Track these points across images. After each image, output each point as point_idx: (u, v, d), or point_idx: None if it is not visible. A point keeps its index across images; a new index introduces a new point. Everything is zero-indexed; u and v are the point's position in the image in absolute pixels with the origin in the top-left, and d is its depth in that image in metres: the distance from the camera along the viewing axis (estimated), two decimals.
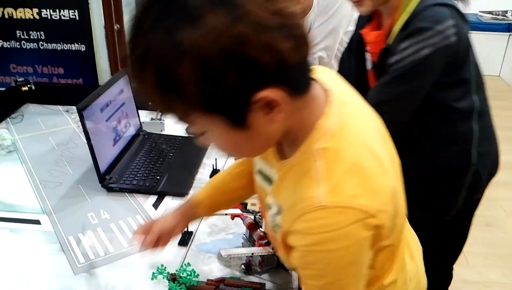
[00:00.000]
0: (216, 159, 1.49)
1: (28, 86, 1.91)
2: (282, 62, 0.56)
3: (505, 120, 4.14)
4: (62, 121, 1.81)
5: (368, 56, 1.33)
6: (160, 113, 1.83)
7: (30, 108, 1.92)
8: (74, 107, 1.29)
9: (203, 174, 1.45)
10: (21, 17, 1.96)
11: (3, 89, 1.95)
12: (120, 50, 1.96)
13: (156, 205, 1.30)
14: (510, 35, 5.07)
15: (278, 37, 0.55)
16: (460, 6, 1.20)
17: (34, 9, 1.94)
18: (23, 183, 1.40)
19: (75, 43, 1.96)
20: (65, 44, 1.98)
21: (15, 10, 1.95)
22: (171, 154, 1.53)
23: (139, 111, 1.68)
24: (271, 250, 0.99)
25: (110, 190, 1.35)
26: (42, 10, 1.94)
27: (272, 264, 1.02)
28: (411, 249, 0.88)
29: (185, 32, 0.53)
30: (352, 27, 1.56)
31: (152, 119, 1.77)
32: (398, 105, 1.17)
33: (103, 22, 1.91)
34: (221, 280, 0.98)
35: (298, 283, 1.00)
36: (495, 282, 2.26)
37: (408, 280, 0.85)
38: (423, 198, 1.29)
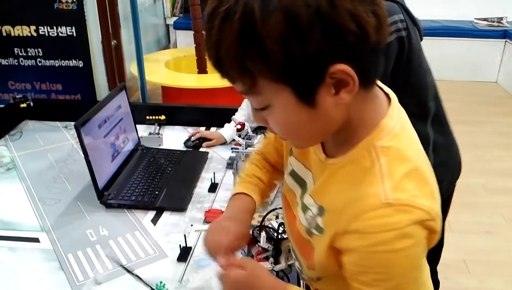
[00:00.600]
0: (214, 173, 1.50)
1: (27, 102, 1.92)
2: (364, 37, 0.55)
3: (502, 127, 4.16)
4: (60, 137, 1.82)
5: None
6: (158, 128, 1.84)
7: (29, 125, 1.93)
8: (73, 123, 1.29)
9: (201, 188, 1.45)
10: (18, 34, 1.98)
11: (1, 106, 1.96)
12: (118, 65, 1.98)
13: (154, 220, 1.30)
14: (506, 41, 5.10)
15: (365, 10, 0.55)
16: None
17: (31, 27, 1.96)
18: (22, 200, 1.40)
19: (73, 60, 1.98)
20: (63, 61, 1.99)
21: (13, 28, 1.97)
22: (170, 169, 1.54)
23: (137, 126, 1.68)
24: (270, 266, 0.99)
25: (108, 206, 1.35)
26: (40, 27, 1.96)
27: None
28: None
29: None
30: None
31: (150, 133, 1.78)
32: None
33: (100, 38, 1.92)
34: None
35: None
36: None
37: None
38: None
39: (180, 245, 1.16)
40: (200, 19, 3.17)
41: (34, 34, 1.97)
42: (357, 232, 0.63)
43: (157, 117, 1.88)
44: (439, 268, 1.59)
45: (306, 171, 0.80)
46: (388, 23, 1.00)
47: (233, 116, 1.69)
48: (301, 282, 0.99)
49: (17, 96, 1.95)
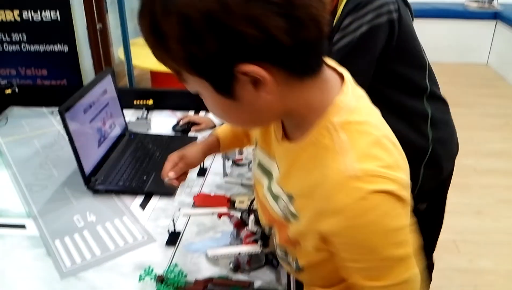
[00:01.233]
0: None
1: (12, 88, 1.89)
2: (272, 39, 0.55)
3: (493, 108, 4.18)
4: (46, 123, 1.79)
5: None
6: (146, 113, 1.82)
7: (14, 111, 1.89)
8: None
9: (190, 173, 1.43)
10: (2, 19, 1.93)
11: None
12: (104, 49, 1.94)
13: (143, 205, 1.29)
14: (496, 23, 5.09)
15: (269, 14, 0.54)
16: None
17: (15, 11, 1.92)
18: (7, 187, 1.38)
19: (58, 44, 1.94)
20: (47, 45, 1.96)
21: None
22: (158, 154, 1.52)
23: (125, 110, 1.66)
24: (259, 248, 0.98)
25: (96, 192, 1.33)
26: (23, 11, 1.91)
27: (260, 262, 1.02)
28: None
29: None
30: None
31: (137, 118, 1.76)
32: None
33: (85, 22, 1.89)
34: (209, 280, 0.97)
35: (287, 280, 0.99)
36: (487, 269, 2.28)
37: None
38: None
39: (168, 230, 1.15)
40: None
41: (18, 18, 1.93)
42: (334, 212, 0.62)
43: (144, 102, 1.86)
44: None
45: (270, 161, 0.80)
46: (378, 5, 1.00)
47: None
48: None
49: (2, 82, 1.91)
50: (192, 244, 1.13)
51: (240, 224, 1.05)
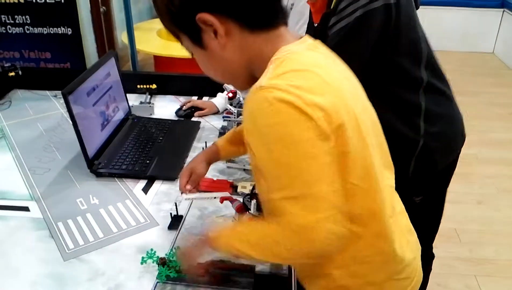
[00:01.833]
0: (206, 142, 1.48)
1: (15, 71, 1.89)
2: None
3: (498, 97, 4.16)
4: (50, 106, 1.79)
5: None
6: (149, 97, 1.82)
7: (18, 94, 1.90)
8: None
9: (193, 157, 1.44)
10: (5, 1, 1.92)
11: None
12: (107, 32, 1.93)
13: (145, 189, 1.29)
14: (504, 11, 5.05)
15: None
16: None
17: None
18: (11, 169, 1.39)
19: (62, 27, 1.93)
20: (51, 28, 1.95)
21: None
22: (161, 138, 1.52)
23: (128, 94, 1.66)
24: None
25: (99, 175, 1.34)
26: None
27: None
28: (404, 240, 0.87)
29: None
30: None
31: (141, 102, 1.75)
32: None
33: (89, 4, 1.88)
34: (211, 263, 0.97)
35: (288, 266, 1.00)
36: (487, 259, 2.28)
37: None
38: None
39: (171, 213, 1.15)
40: None
41: (22, 0, 1.92)
42: (245, 119, 0.74)
43: (148, 86, 1.85)
44: None
45: None
46: None
47: (225, 85, 1.66)
48: None
49: (5, 65, 1.91)
50: (194, 228, 1.13)
51: (242, 209, 1.05)
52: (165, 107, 1.77)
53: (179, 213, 1.16)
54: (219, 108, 1.72)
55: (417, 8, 1.30)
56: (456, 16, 5.13)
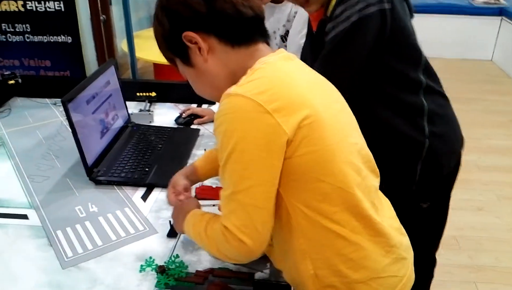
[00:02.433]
0: (205, 149, 1.49)
1: (15, 79, 1.89)
2: (197, 12, 0.82)
3: (497, 105, 4.16)
4: (49, 114, 1.80)
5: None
6: (149, 105, 1.82)
7: (18, 102, 1.90)
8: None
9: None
10: (6, 9, 1.93)
11: None
12: (107, 41, 1.94)
13: (145, 197, 1.29)
14: (502, 19, 5.07)
15: None
16: None
17: (19, 1, 1.92)
18: (10, 177, 1.39)
19: (62, 35, 1.94)
20: (51, 36, 1.96)
21: (0, 3, 1.92)
22: (160, 146, 1.52)
23: (127, 102, 1.66)
24: None
25: (98, 183, 1.34)
26: (27, 2, 1.91)
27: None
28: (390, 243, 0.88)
29: None
30: None
31: (140, 110, 1.76)
32: (339, 76, 1.11)
33: (89, 13, 1.88)
34: (210, 271, 0.97)
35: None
36: (487, 266, 2.28)
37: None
38: (384, 168, 1.28)
39: (170, 221, 1.15)
40: None
41: (22, 9, 1.93)
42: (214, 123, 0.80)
43: (147, 94, 1.86)
44: None
45: None
46: None
47: None
48: None
49: (5, 73, 1.92)
50: None
51: None
52: (165, 115, 1.78)
53: None
54: None
55: (411, 16, 1.31)
56: (455, 24, 5.15)
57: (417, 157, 1.31)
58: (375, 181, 0.93)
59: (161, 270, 0.97)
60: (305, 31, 1.69)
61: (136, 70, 2.10)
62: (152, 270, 0.99)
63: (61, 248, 1.09)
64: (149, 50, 3.04)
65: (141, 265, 1.00)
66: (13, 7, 1.94)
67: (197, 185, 1.32)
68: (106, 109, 1.49)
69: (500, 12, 5.05)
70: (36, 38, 1.98)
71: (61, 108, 1.79)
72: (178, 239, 1.11)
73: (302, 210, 0.81)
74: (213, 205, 1.14)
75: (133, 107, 1.78)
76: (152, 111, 1.76)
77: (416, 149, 1.31)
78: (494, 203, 2.77)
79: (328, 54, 1.23)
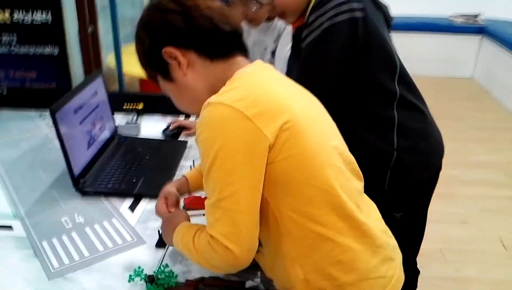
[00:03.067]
0: (194, 161, 1.48)
1: (1, 91, 1.87)
2: (176, 28, 0.85)
3: (478, 121, 4.24)
4: (35, 126, 1.77)
5: None
6: (136, 117, 1.81)
7: (3, 114, 1.87)
8: (47, 112, 1.26)
9: (180, 176, 1.43)
10: None
11: None
12: (94, 53, 1.93)
13: (132, 207, 1.28)
14: (482, 37, 5.19)
15: (171, 14, 0.86)
16: None
17: (6, 11, 1.90)
18: None
19: (48, 46, 1.92)
20: (37, 48, 1.94)
21: None
22: (147, 157, 1.51)
23: (115, 114, 1.65)
24: None
25: (84, 194, 1.32)
26: (14, 12, 1.89)
27: (253, 261, 1.01)
28: (376, 244, 0.88)
29: None
30: None
31: (127, 122, 1.75)
32: (314, 82, 1.13)
33: (77, 24, 1.88)
34: (201, 280, 0.96)
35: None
36: (473, 278, 2.29)
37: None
38: None
39: (159, 231, 1.14)
40: None
41: (8, 19, 1.91)
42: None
43: (135, 106, 1.85)
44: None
45: None
46: (339, 3, 1.19)
47: None
48: None
49: None
50: None
51: None
52: (152, 127, 1.77)
53: None
54: None
55: (389, 27, 1.34)
56: (436, 42, 5.26)
57: (386, 167, 1.32)
58: (359, 184, 0.94)
59: (150, 280, 0.96)
60: (290, 44, 1.71)
61: (123, 81, 2.09)
62: (141, 280, 0.97)
63: (47, 259, 1.07)
64: (134, 65, 3.03)
65: (130, 275, 0.98)
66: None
67: (185, 195, 1.31)
68: (93, 120, 1.48)
69: (480, 31, 5.17)
70: (22, 49, 1.96)
71: (47, 120, 1.78)
72: (166, 249, 1.10)
73: (288, 215, 0.82)
74: (203, 215, 1.13)
75: (120, 118, 1.77)
76: (139, 123, 1.75)
77: (384, 160, 1.32)
78: (477, 216, 2.80)
79: (303, 60, 1.27)
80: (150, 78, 0.96)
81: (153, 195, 1.31)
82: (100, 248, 1.11)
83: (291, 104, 0.82)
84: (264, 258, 0.94)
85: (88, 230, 1.18)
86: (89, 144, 1.43)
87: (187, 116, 1.85)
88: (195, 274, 1.01)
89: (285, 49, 1.74)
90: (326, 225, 0.82)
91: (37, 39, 1.91)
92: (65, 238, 1.15)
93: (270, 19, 1.82)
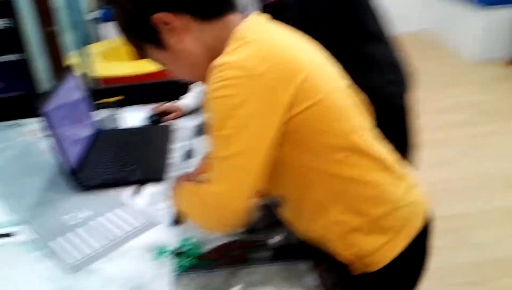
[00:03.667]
0: (183, 142, 1.46)
1: None
2: None
3: (438, 69, 4.37)
4: (10, 136, 1.70)
5: None
6: (115, 109, 1.77)
7: None
8: (22, 120, 1.21)
9: (174, 159, 1.42)
10: None
11: None
12: (57, 54, 1.87)
13: (135, 194, 1.25)
14: None
15: None
16: None
17: None
18: None
19: (10, 54, 1.84)
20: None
21: None
22: (136, 145, 1.49)
23: (94, 110, 1.61)
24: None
25: (82, 189, 1.28)
26: None
27: (272, 219, 1.02)
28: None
29: None
30: None
31: (108, 116, 1.71)
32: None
33: (37, 27, 1.81)
34: (227, 245, 0.96)
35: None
36: (463, 213, 2.37)
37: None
38: None
39: (173, 210, 1.12)
40: None
41: None
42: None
43: (113, 99, 1.81)
44: None
45: None
46: None
47: (190, 85, 1.66)
48: None
49: None
50: None
51: None
52: (133, 117, 1.73)
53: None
54: (187, 108, 1.71)
55: None
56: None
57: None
58: (369, 120, 0.95)
59: (177, 253, 0.95)
60: None
61: (94, 78, 2.04)
62: (167, 255, 0.96)
63: (61, 256, 1.04)
64: (96, 65, 2.96)
65: (156, 253, 0.97)
66: None
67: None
68: (77, 116, 1.43)
69: None
70: None
71: (21, 128, 1.71)
72: (182, 225, 1.09)
73: (314, 165, 0.83)
74: None
75: (99, 113, 1.72)
76: (120, 115, 1.71)
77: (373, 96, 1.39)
78: (460, 155, 2.90)
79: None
80: (137, 51, 0.91)
81: (152, 179, 1.30)
82: (117, 234, 1.08)
83: (298, 55, 0.82)
84: (289, 212, 0.94)
85: (93, 223, 1.15)
86: (77, 141, 1.39)
87: (168, 101, 1.82)
88: (217, 243, 1.01)
89: None
90: (352, 166, 0.83)
91: None
92: (71, 235, 1.11)
93: None
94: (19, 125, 1.74)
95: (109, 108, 1.76)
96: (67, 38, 2.02)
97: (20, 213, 1.22)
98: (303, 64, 0.80)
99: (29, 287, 0.96)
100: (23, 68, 1.86)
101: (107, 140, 1.53)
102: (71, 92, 1.45)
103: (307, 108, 0.79)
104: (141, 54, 0.92)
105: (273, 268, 0.93)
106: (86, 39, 2.02)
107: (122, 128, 1.65)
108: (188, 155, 1.42)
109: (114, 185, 1.28)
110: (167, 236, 1.06)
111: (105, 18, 4.72)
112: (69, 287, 0.94)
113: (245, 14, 0.91)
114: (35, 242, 1.10)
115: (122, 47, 3.59)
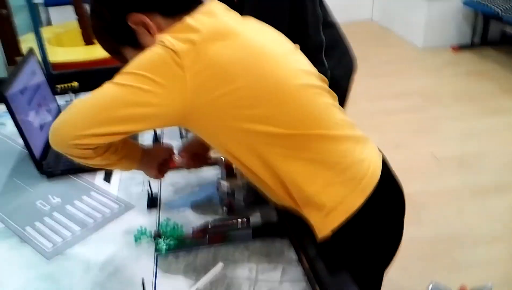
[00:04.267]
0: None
1: None
2: None
3: (384, 57, 4.52)
4: None
5: None
6: (73, 95, 1.73)
7: None
8: None
9: (144, 141, 1.41)
10: None
11: None
12: (12, 37, 1.80)
13: (107, 179, 1.24)
14: None
15: None
16: None
17: None
18: None
19: None
20: None
21: None
22: None
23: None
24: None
25: (50, 175, 1.26)
26: None
27: (252, 197, 1.04)
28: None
29: None
30: None
31: (66, 102, 1.67)
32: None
33: None
34: (207, 225, 0.98)
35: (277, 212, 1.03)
36: (420, 191, 2.50)
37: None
38: None
39: (148, 192, 1.12)
40: None
41: None
42: None
43: (69, 85, 1.76)
44: None
45: None
46: None
47: None
48: None
49: None
50: (174, 201, 1.12)
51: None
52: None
53: (154, 193, 1.14)
54: None
55: None
56: None
57: None
58: (328, 98, 0.95)
59: (157, 235, 0.95)
60: None
61: (48, 63, 1.97)
62: (147, 237, 0.97)
63: (38, 241, 1.02)
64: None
65: (135, 236, 0.98)
66: None
67: None
68: (39, 101, 1.39)
69: None
70: None
71: None
72: (159, 208, 1.10)
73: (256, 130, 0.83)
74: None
75: (57, 99, 1.68)
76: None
77: None
78: (408, 138, 3.04)
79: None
80: (114, 55, 0.94)
81: None
82: (89, 221, 1.08)
83: (235, 31, 0.84)
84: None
85: (69, 207, 1.14)
86: (41, 126, 1.36)
87: None
88: (197, 223, 1.02)
89: None
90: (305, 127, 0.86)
91: None
92: (48, 219, 1.10)
93: None
94: None
95: (66, 95, 1.71)
96: (18, 21, 1.93)
97: None
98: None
99: (8, 275, 0.94)
100: None
101: None
102: (31, 76, 1.40)
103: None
104: (117, 57, 0.94)
105: (254, 246, 0.95)
106: (36, 23, 1.93)
107: None
108: (156, 138, 1.41)
109: (80, 171, 1.26)
110: (144, 220, 1.06)
111: (48, 2, 4.55)
112: (49, 273, 0.93)
113: None
114: (9, 228, 1.08)
115: (68, 32, 3.50)
